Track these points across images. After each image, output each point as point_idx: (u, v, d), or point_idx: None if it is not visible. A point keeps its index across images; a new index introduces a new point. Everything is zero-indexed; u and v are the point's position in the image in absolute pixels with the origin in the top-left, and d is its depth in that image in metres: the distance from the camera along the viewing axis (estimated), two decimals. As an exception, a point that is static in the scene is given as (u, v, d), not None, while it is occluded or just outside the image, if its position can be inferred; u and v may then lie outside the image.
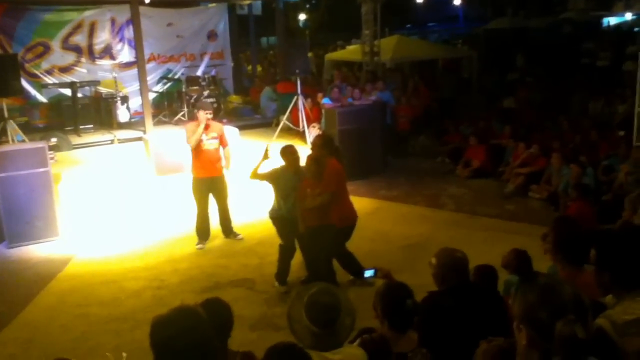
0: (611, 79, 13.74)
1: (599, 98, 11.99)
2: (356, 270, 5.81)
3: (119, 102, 12.12)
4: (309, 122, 10.89)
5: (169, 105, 12.89)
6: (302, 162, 5.97)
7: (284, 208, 5.96)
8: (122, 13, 12.43)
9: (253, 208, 8.14)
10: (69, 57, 12.69)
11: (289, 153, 5.96)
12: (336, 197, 5.67)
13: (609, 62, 16.54)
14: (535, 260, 4.13)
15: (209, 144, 7.00)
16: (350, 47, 19.20)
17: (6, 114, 9.37)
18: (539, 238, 4.12)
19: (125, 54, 13.22)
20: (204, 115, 6.92)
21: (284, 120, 11.17)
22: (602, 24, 24.78)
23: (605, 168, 8.23)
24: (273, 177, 5.99)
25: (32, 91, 12.22)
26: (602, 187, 7.92)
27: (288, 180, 5.88)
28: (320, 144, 5.97)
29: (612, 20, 24.92)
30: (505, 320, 2.85)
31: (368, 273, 3.78)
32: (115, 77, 12.50)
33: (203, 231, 7.22)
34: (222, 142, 7.16)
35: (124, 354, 3.03)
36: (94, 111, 12.11)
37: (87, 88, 12.34)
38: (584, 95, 12.63)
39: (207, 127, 6.98)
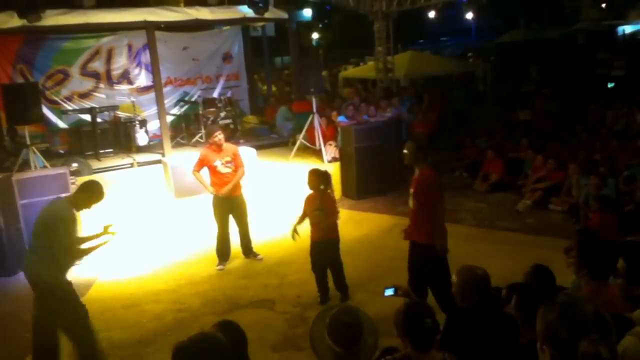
0: (627, 88, 13.62)
1: (620, 107, 11.86)
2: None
3: (138, 125, 12.26)
4: (325, 140, 10.93)
5: (187, 128, 13.02)
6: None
7: None
8: (139, 38, 12.63)
9: (272, 227, 8.17)
10: (88, 83, 12.90)
11: None
12: (429, 208, 5.19)
13: (625, 72, 16.40)
14: (557, 274, 4.07)
15: (224, 168, 7.03)
16: (366, 64, 19.32)
17: (28, 141, 9.56)
18: (561, 251, 4.10)
19: (143, 78, 13.42)
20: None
21: (300, 139, 11.22)
22: (616, 33, 24.62)
23: (627, 178, 8.13)
24: None
25: (53, 118, 12.41)
26: (624, 198, 7.82)
27: None
28: (414, 151, 5.17)
29: (628, 29, 24.75)
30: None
31: (388, 292, 3.75)
32: (133, 102, 12.68)
33: (223, 252, 7.25)
34: (236, 163, 7.11)
35: None
36: (113, 135, 12.26)
37: (106, 113, 12.49)
38: (600, 105, 12.53)
39: (220, 151, 7.03)
